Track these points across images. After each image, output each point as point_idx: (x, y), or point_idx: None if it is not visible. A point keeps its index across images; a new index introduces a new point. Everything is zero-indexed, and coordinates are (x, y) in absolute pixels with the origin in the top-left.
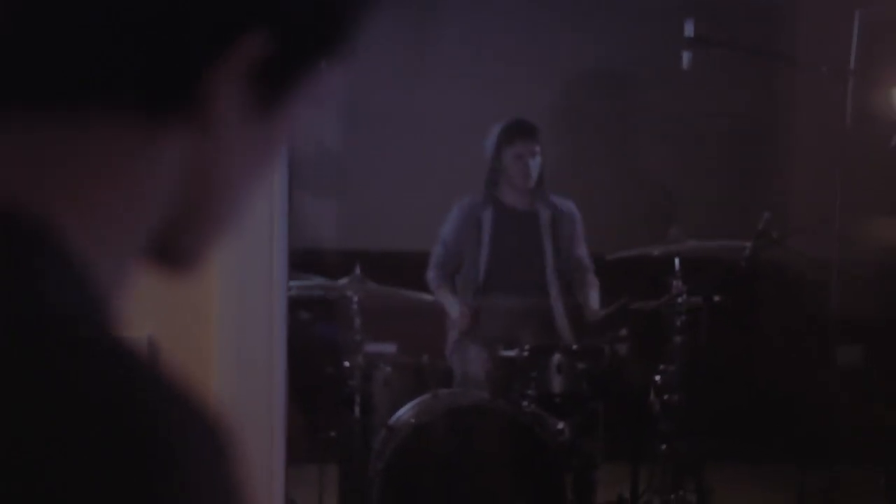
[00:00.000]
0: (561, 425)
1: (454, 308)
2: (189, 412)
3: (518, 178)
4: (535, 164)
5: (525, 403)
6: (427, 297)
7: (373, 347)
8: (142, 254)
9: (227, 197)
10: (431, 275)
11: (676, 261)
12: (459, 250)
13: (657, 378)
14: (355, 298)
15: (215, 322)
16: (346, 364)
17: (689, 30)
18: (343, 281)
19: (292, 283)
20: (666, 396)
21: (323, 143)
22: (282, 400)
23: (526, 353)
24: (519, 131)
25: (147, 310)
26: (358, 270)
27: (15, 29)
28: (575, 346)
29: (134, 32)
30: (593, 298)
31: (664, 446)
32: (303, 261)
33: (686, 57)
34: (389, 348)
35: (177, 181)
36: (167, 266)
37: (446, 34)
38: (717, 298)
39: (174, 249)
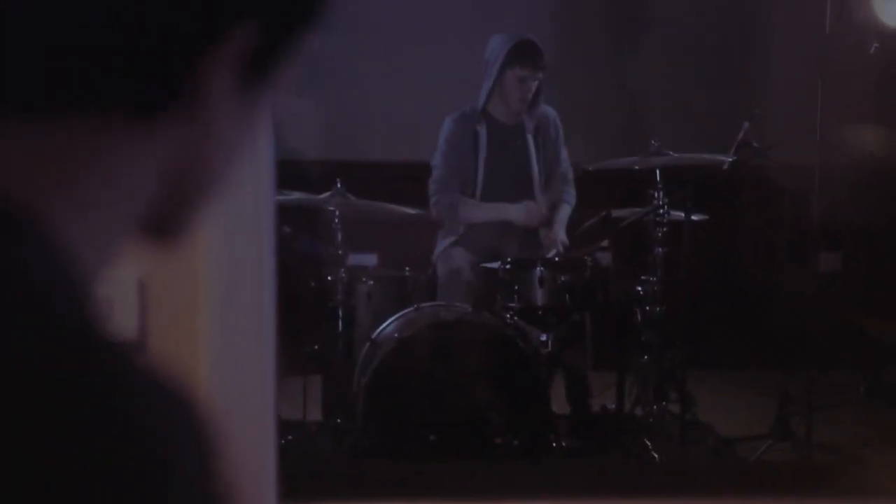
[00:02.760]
0: (544, 337)
1: (517, 210)
2: (175, 402)
3: (516, 100)
4: (534, 87)
5: (508, 316)
6: (409, 210)
7: (353, 259)
8: (127, 236)
9: (215, 169)
10: (445, 200)
11: (657, 172)
12: (459, 165)
13: (639, 289)
14: (337, 213)
15: (202, 240)
16: (329, 278)
17: None
18: (324, 195)
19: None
20: (648, 307)
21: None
22: (272, 315)
23: (508, 266)
24: (526, 55)
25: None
26: (339, 184)
27: (3, 23)
28: (557, 259)
29: (124, 26)
30: (561, 222)
31: (646, 357)
32: (283, 174)
33: None
34: (370, 259)
35: (165, 166)
36: (155, 237)
37: None
38: (696, 218)
39: (162, 222)
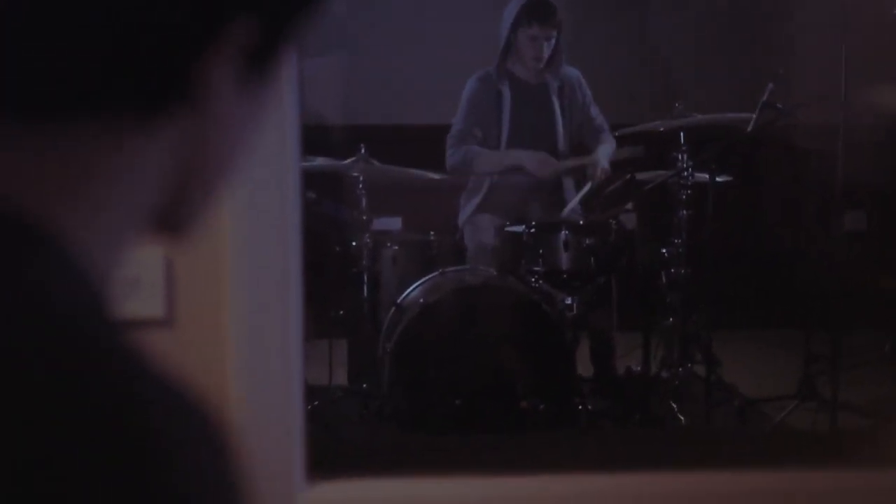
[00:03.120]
0: (569, 300)
1: (530, 156)
2: (188, 406)
3: (529, 59)
4: (548, 46)
5: (533, 280)
6: (433, 174)
7: (379, 223)
8: (138, 235)
9: (224, 162)
10: (460, 153)
11: (682, 135)
12: (480, 124)
13: (664, 251)
14: (361, 178)
15: (227, 209)
16: (354, 243)
17: None
18: (349, 160)
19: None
20: (672, 270)
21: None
22: (298, 282)
23: (532, 230)
24: (537, 13)
25: None
26: (363, 149)
27: (6, 28)
28: (581, 222)
29: (125, 25)
30: (604, 153)
31: (671, 319)
32: (306, 140)
33: None
34: (395, 223)
35: (172, 163)
36: (169, 234)
37: None
38: (720, 180)
39: (174, 219)
